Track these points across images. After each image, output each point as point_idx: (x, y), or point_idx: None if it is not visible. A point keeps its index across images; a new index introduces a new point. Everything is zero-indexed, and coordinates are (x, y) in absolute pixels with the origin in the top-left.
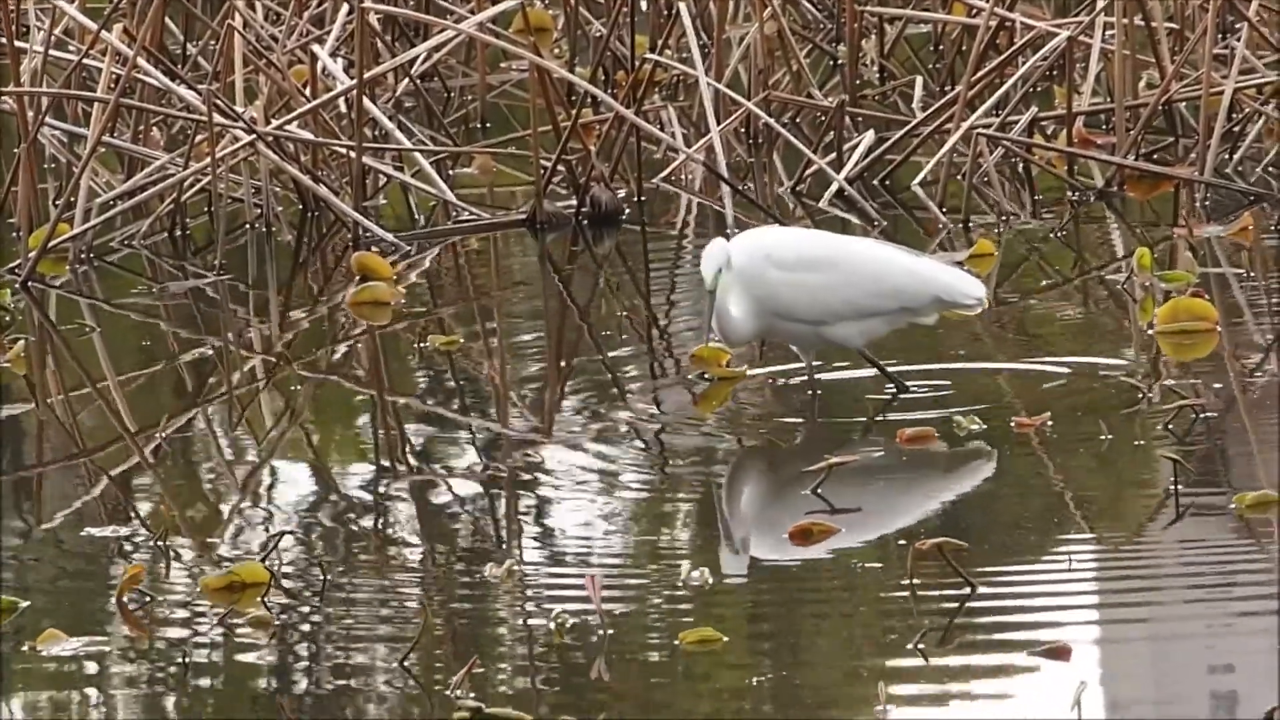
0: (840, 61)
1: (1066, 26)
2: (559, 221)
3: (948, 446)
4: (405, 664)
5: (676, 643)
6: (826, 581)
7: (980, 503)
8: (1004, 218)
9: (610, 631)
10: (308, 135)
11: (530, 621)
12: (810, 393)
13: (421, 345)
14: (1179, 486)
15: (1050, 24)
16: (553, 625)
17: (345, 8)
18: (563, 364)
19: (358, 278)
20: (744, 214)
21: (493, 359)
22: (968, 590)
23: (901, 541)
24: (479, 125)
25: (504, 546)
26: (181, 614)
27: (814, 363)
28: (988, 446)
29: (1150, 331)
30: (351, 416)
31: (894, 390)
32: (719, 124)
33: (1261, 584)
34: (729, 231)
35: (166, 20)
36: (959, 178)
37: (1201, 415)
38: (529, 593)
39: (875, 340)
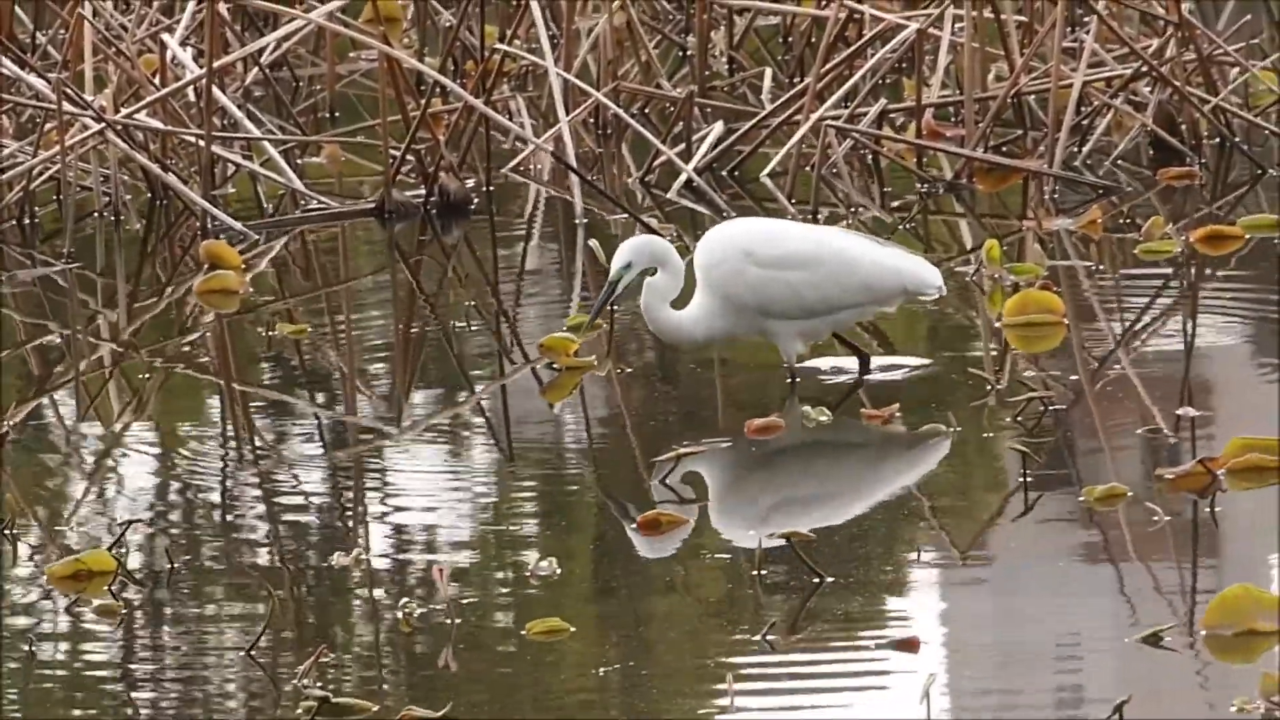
0: (689, 52)
1: (916, 19)
2: (407, 211)
3: (796, 438)
4: (252, 653)
5: (524, 633)
6: (674, 572)
7: (828, 494)
8: (853, 209)
9: (457, 621)
10: (157, 124)
11: (378, 611)
12: (790, 380)
13: (269, 334)
14: (1028, 479)
15: (899, 16)
16: (400, 614)
17: None
18: (410, 353)
19: (206, 266)
20: (593, 204)
21: (340, 348)
22: (816, 582)
23: (750, 532)
24: (328, 115)
25: (351, 536)
26: (27, 602)
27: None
28: (836, 438)
29: (999, 324)
30: (199, 405)
31: (791, 380)
32: (568, 114)
33: (1109, 577)
34: (651, 229)
35: (16, 8)
36: (808, 169)
37: (1050, 407)
38: (376, 582)
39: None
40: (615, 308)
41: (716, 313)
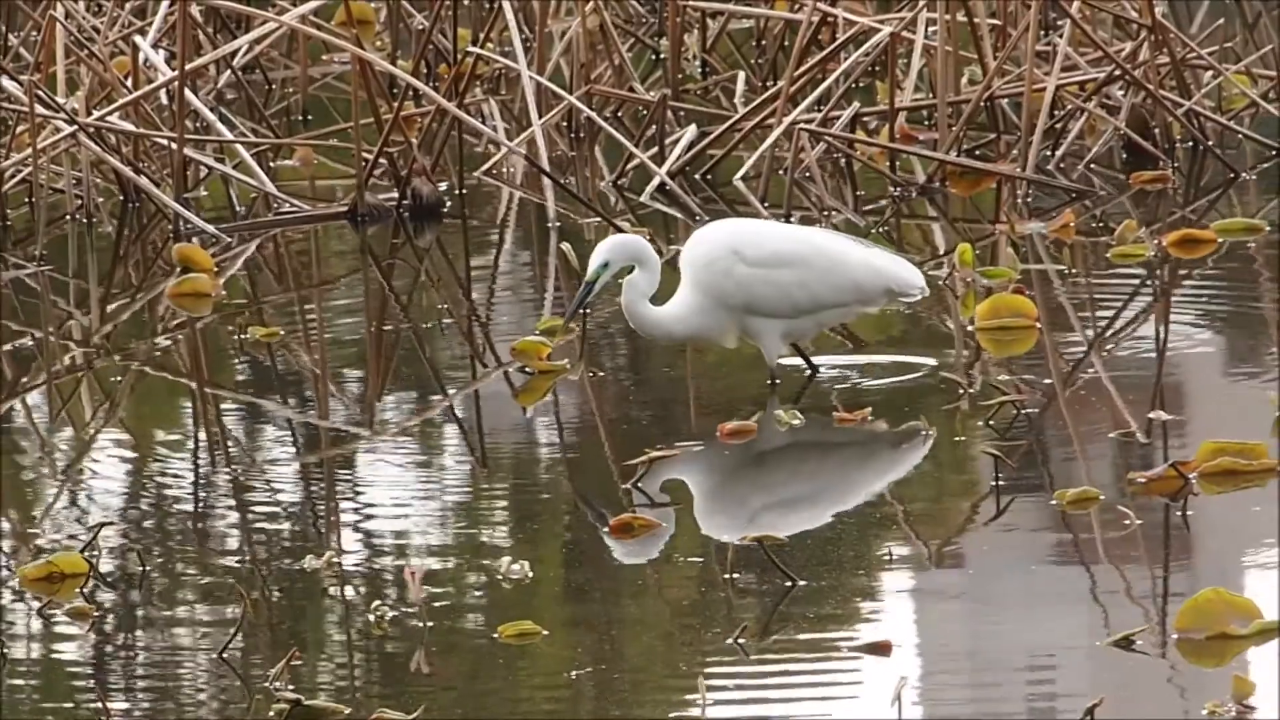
0: (662, 56)
1: (889, 22)
2: (380, 214)
3: (769, 441)
4: (224, 656)
5: (496, 635)
6: (646, 575)
7: (800, 497)
8: (825, 213)
9: (430, 624)
10: (129, 126)
11: (350, 613)
12: (770, 381)
13: (242, 337)
14: (1000, 482)
15: (873, 20)
16: (372, 617)
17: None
18: (382, 357)
19: (178, 269)
20: (565, 208)
21: (313, 351)
22: (788, 585)
23: (722, 536)
24: (300, 117)
25: (323, 538)
26: None
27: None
28: (809, 441)
29: (971, 327)
30: (171, 408)
31: (770, 381)
32: (541, 118)
33: (1081, 580)
34: (627, 229)
35: None
36: (781, 173)
37: (1022, 411)
38: (348, 585)
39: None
40: (587, 310)
41: (702, 310)
